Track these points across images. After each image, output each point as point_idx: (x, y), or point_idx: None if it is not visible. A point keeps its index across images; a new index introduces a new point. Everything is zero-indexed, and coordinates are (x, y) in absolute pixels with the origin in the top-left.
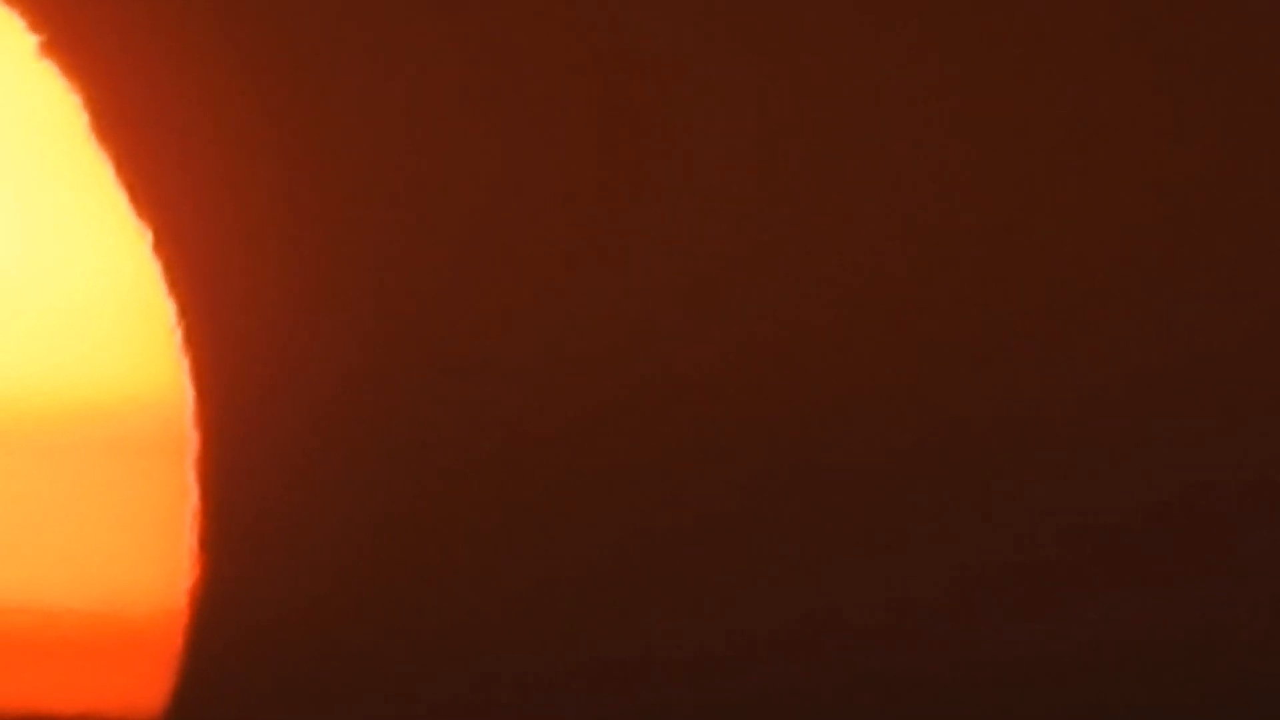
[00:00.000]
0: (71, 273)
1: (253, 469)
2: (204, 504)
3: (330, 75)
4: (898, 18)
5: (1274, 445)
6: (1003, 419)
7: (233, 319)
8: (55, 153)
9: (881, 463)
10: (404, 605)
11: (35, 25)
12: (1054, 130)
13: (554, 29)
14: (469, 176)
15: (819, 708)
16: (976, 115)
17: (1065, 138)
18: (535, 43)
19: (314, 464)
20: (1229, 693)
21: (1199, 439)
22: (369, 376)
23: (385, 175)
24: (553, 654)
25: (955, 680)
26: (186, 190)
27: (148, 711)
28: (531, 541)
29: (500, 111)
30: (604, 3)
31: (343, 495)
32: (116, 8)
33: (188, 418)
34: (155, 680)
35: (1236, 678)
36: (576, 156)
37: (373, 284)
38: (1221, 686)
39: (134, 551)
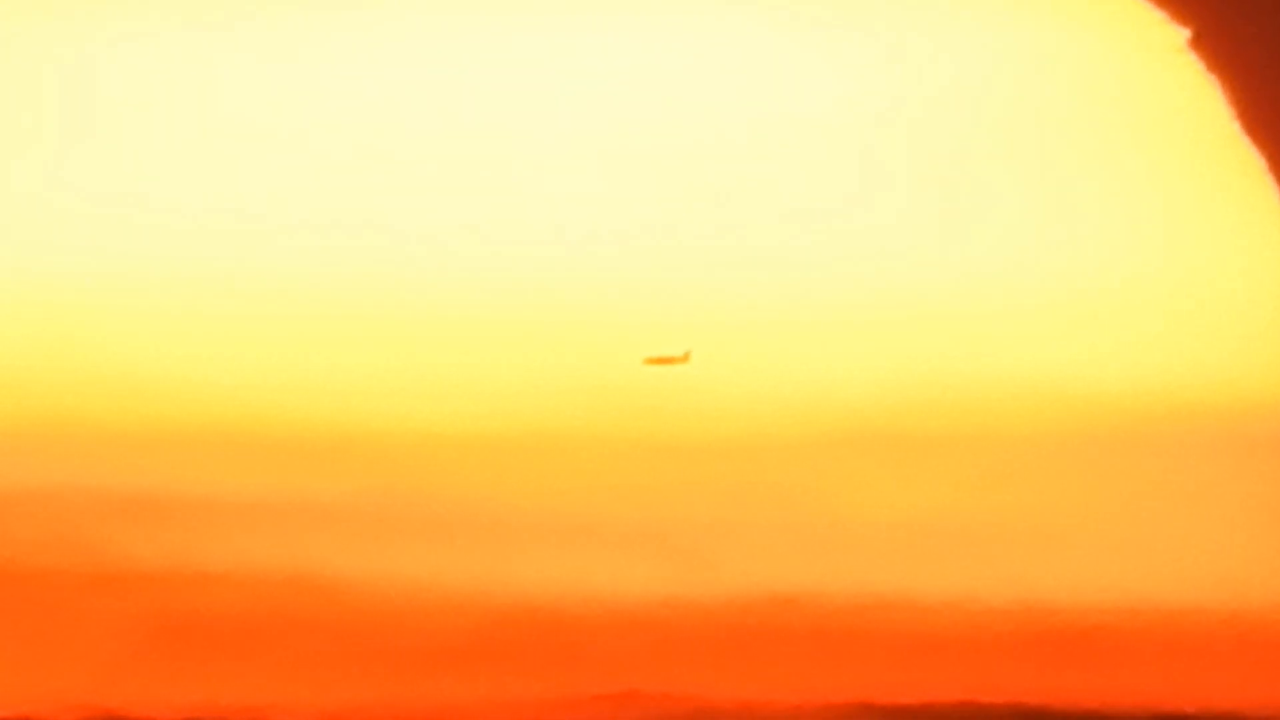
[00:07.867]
0: (1222, 272)
1: None
2: None
3: None
4: None
5: None
6: None
7: None
8: (1201, 150)
9: None
10: None
11: (1182, 19)
12: None
13: None
14: None
15: None
16: None
17: None
18: None
19: None
20: None
21: None
22: None
23: None
24: None
25: None
26: None
27: (1273, 708)
28: None
29: None
30: None
31: None
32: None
33: None
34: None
35: None
36: None
37: None
38: None
39: (1259, 549)
